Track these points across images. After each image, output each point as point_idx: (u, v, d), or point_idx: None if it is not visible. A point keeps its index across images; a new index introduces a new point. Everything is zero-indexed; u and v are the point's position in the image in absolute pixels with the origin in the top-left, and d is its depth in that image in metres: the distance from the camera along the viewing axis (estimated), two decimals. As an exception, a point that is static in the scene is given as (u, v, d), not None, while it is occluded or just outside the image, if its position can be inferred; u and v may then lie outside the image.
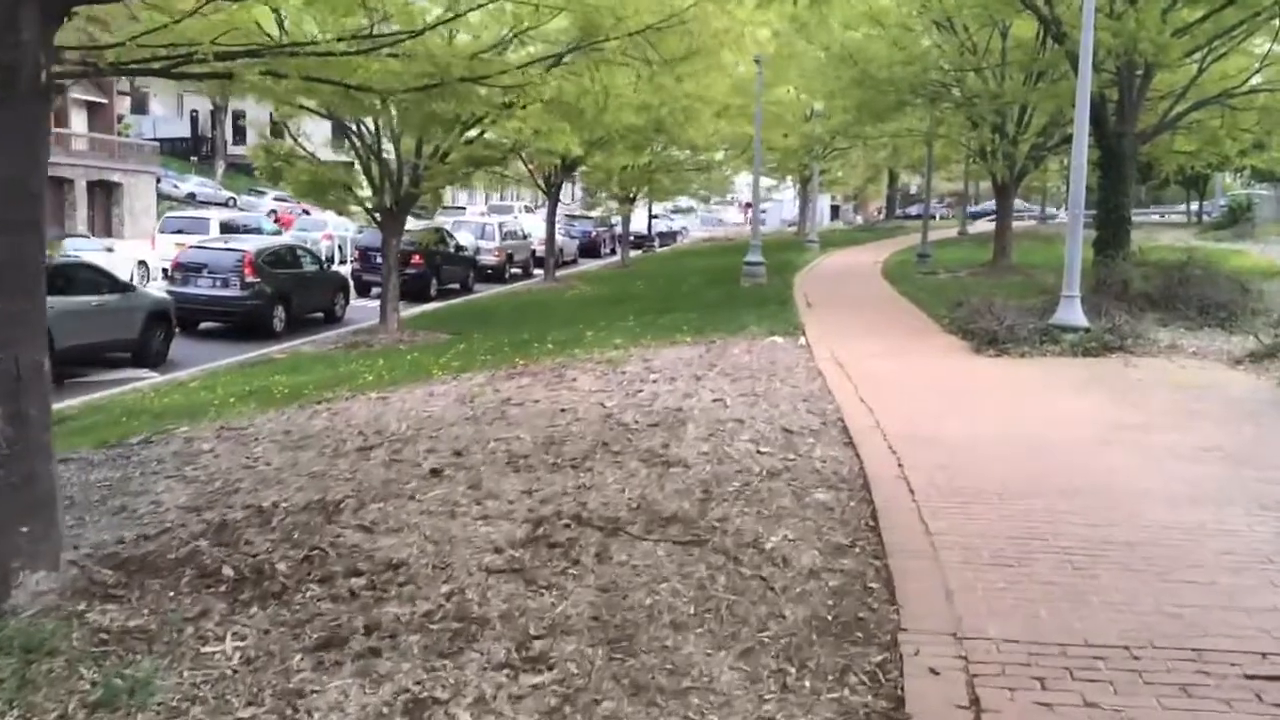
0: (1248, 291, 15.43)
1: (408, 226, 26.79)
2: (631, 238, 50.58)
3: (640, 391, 9.73)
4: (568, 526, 5.42)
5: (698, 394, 9.60)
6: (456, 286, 28.85)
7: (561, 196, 48.07)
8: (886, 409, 9.05)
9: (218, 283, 19.54)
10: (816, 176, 40.58)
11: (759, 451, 7.35)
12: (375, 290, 27.21)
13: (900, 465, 7.10)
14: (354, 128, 17.11)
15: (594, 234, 47.40)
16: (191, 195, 53.51)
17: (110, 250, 26.07)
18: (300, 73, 7.31)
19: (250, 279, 19.45)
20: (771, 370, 11.23)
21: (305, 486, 6.54)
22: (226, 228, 30.15)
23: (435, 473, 6.66)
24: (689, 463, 6.92)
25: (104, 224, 46.44)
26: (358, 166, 18.13)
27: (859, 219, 74.95)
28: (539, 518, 5.60)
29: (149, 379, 15.53)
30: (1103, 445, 7.73)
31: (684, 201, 57.66)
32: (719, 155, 39.22)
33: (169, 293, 19.91)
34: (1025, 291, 18.23)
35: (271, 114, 19.60)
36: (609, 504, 5.90)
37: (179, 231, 29.15)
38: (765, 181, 74.81)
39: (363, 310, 24.04)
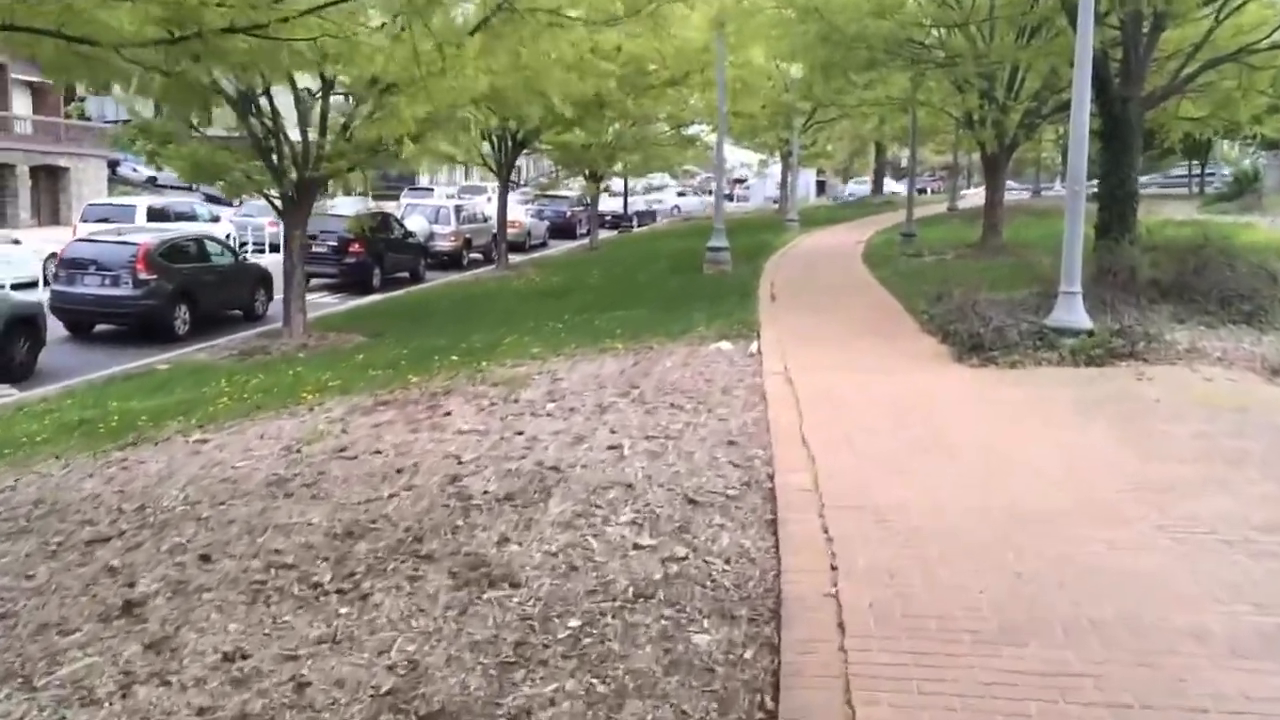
0: (1276, 280, 13.23)
1: (343, 210, 24.68)
2: (609, 217, 48.14)
3: (520, 434, 7.56)
4: (239, 753, 3.27)
5: (593, 437, 7.43)
6: (406, 275, 26.60)
7: (533, 174, 45.53)
8: (834, 456, 6.90)
9: (107, 280, 17.27)
10: (797, 150, 38.13)
11: (636, 546, 5.19)
12: (313, 281, 25.13)
13: (834, 568, 4.94)
14: (249, 100, 14.87)
15: (569, 214, 44.90)
16: (153, 179, 51.00)
17: (16, 243, 23.72)
18: (-4, 19, 5.09)
19: (144, 275, 17.19)
20: (704, 393, 9.06)
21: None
22: (155, 214, 27.79)
23: (129, 608, 4.49)
24: (523, 577, 4.75)
25: (51, 210, 44.08)
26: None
27: (848, 194, 72.51)
28: (206, 728, 3.44)
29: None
30: (1120, 523, 5.57)
31: (657, 179, 55.22)
32: (694, 129, 36.88)
33: (54, 292, 17.74)
34: (1016, 278, 16.03)
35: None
36: (346, 685, 3.74)
37: (104, 220, 26.80)
38: (750, 156, 72.40)
39: (294, 304, 21.83)
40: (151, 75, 6.83)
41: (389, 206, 34.61)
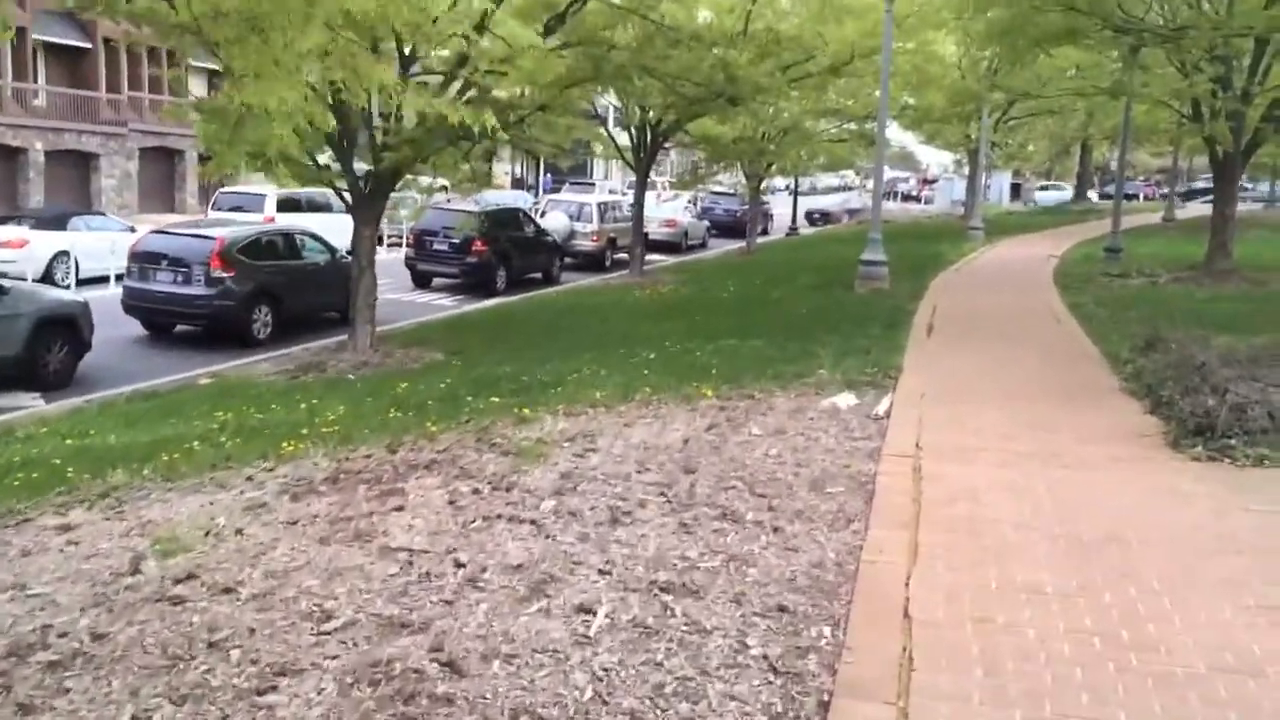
0: None
1: (468, 205, 22.65)
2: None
3: (461, 566, 4.92)
4: None
5: (564, 582, 4.71)
6: (538, 276, 24.41)
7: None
8: (950, 663, 3.97)
9: (178, 278, 15.65)
10: (985, 147, 33.88)
11: None
12: (436, 281, 23.28)
13: None
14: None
15: (739, 213, 41.78)
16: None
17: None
18: None
19: (218, 273, 15.48)
20: (784, 489, 6.21)
21: None
22: (287, 203, 26.47)
23: None
24: None
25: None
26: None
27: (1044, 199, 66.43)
28: None
29: (20, 410, 11.73)
30: None
31: (831, 178, 51.59)
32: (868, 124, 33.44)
33: (125, 288, 16.26)
34: (1254, 316, 12.37)
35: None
36: None
37: (237, 209, 25.76)
38: (946, 156, 67.37)
39: (412, 307, 19.98)
40: None
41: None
